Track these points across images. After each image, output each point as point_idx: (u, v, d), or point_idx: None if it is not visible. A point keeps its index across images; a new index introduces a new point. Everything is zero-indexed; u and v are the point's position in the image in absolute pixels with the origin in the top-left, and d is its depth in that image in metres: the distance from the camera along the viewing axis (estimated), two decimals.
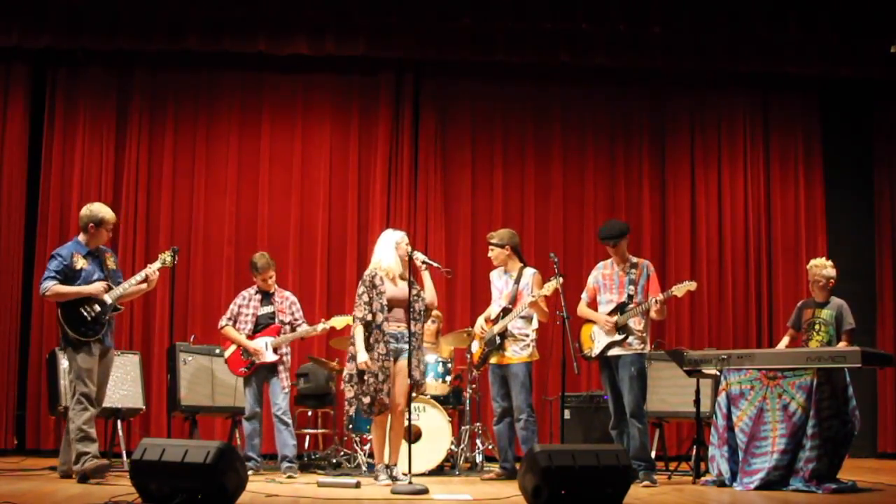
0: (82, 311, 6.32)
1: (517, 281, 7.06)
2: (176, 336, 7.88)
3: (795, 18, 8.89)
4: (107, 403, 6.75)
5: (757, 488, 6.13)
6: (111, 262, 6.60)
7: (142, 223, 9.21)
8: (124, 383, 7.62)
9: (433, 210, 9.42)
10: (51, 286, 6.29)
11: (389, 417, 6.46)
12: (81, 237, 6.49)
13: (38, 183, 9.19)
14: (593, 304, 6.98)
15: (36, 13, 8.67)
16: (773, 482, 6.12)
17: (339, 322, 7.25)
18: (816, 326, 6.92)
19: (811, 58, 9.20)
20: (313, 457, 8.24)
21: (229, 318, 7.28)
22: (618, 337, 6.72)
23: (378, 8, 8.77)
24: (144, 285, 6.53)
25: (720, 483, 6.39)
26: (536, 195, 9.59)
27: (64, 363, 7.53)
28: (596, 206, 9.61)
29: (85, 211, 6.51)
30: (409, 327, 6.34)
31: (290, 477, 6.78)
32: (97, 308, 6.35)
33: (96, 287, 6.36)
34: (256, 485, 6.12)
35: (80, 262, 6.38)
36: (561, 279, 6.71)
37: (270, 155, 9.42)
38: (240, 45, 8.91)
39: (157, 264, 6.56)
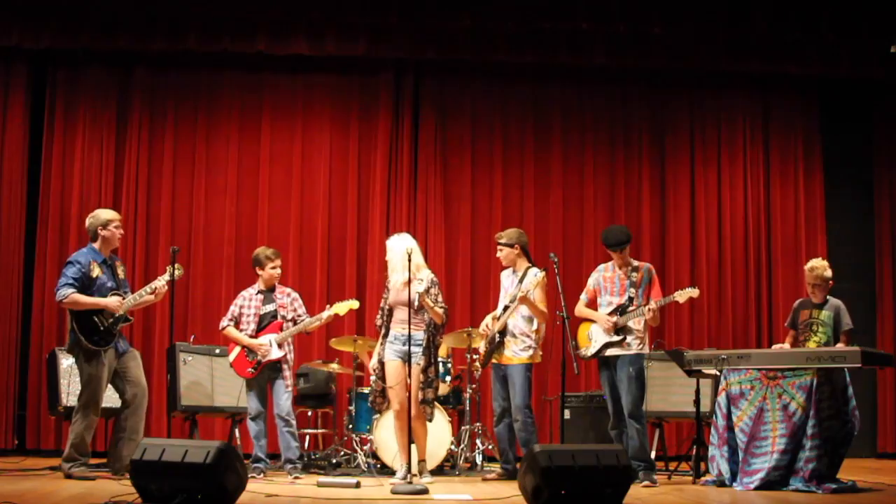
0: (96, 320, 6.39)
1: (521, 280, 7.07)
2: (176, 336, 7.87)
3: (795, 18, 8.89)
4: (106, 403, 6.76)
5: (757, 488, 6.14)
6: (121, 272, 6.70)
7: (142, 223, 9.20)
8: None
9: (433, 210, 9.41)
10: (69, 293, 6.35)
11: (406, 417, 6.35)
12: (95, 244, 6.56)
13: (38, 183, 9.19)
14: (592, 306, 7.00)
15: (36, 13, 8.67)
16: (773, 482, 6.13)
17: (341, 308, 7.12)
18: (814, 327, 6.90)
19: (811, 58, 9.19)
20: (313, 457, 8.23)
21: (230, 320, 7.11)
22: (615, 338, 6.73)
23: (378, 8, 8.76)
24: (153, 297, 6.58)
25: (720, 483, 6.40)
26: (536, 195, 9.58)
27: (64, 363, 7.58)
28: (596, 207, 9.60)
29: (88, 220, 6.63)
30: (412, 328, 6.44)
31: (295, 478, 6.69)
32: (110, 319, 6.45)
33: (113, 302, 6.44)
34: (257, 485, 6.13)
35: (97, 271, 6.47)
36: (543, 272, 6.81)
37: (270, 155, 9.42)
38: (240, 45, 8.90)
39: (165, 276, 6.60)
